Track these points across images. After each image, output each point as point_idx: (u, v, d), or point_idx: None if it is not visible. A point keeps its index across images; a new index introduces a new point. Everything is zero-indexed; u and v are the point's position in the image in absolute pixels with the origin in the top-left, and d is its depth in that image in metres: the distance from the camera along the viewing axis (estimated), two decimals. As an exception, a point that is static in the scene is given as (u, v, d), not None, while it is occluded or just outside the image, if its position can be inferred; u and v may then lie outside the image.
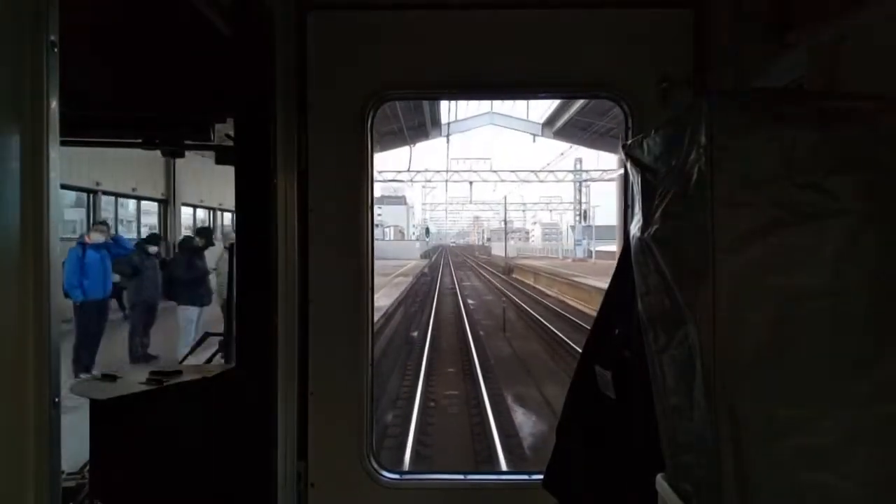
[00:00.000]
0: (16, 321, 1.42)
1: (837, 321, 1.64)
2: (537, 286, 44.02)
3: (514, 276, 55.19)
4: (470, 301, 34.62)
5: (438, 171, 65.59)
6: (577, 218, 75.79)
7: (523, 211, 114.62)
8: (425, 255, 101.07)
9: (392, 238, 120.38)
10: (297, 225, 3.43)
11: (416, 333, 22.81)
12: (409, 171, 60.15)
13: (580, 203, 74.52)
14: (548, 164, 63.82)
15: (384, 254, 66.92)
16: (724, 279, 1.65)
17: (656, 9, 3.35)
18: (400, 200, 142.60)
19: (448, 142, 50.19)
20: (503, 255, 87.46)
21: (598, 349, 2.68)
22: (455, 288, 42.67)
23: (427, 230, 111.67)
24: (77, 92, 3.38)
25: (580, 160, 66.99)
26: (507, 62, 3.42)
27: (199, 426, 3.50)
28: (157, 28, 3.67)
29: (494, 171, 65.27)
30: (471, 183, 67.75)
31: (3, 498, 1.41)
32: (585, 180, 69.26)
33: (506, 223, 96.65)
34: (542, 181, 64.69)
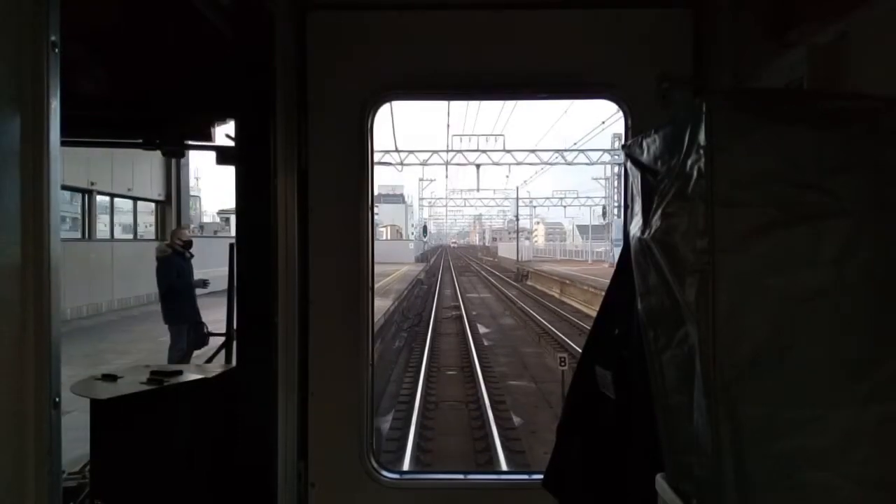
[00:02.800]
0: (16, 321, 1.42)
1: (837, 321, 1.64)
2: (571, 303, 33.12)
3: (538, 287, 44.83)
4: (483, 331, 23.27)
5: (436, 151, 50.55)
6: (616, 210, 59.47)
7: (533, 207, 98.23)
8: (422, 259, 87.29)
9: (389, 237, 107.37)
10: (297, 225, 3.43)
11: (386, 427, 11.83)
12: (397, 150, 46.05)
13: (623, 189, 59.14)
14: (575, 144, 49.41)
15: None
16: (724, 279, 1.65)
17: (656, 9, 3.35)
18: (398, 199, 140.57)
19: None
20: (511, 257, 74.61)
21: (599, 349, 2.68)
22: (460, 306, 30.65)
23: (424, 229, 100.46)
24: (77, 92, 3.39)
25: (619, 136, 50.25)
26: (507, 62, 3.42)
27: (199, 426, 3.50)
28: (158, 28, 3.67)
29: (508, 151, 50.56)
30: (478, 166, 52.67)
31: (4, 498, 1.41)
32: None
33: (518, 218, 79.38)
34: (569, 163, 49.29)
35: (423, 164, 50.80)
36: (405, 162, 48.87)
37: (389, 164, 47.41)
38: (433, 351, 19.29)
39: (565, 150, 49.07)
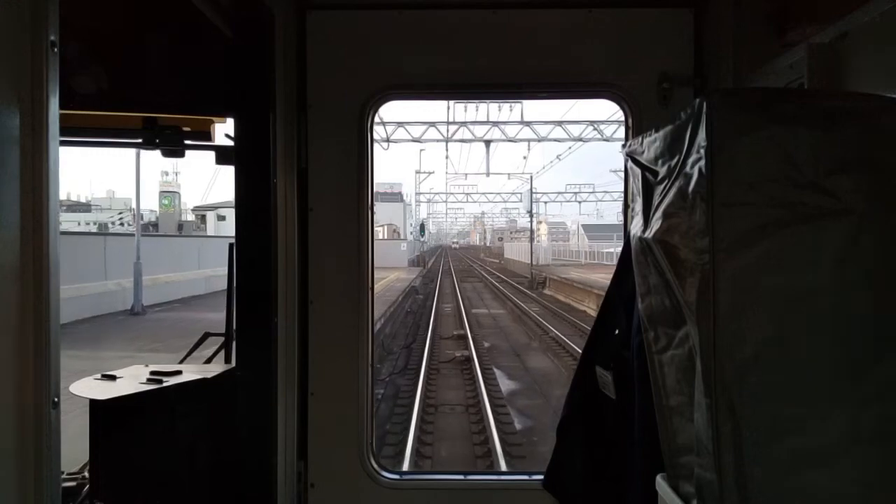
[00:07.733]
0: (16, 321, 1.42)
1: (837, 321, 1.64)
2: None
3: (561, 299, 35.66)
4: (507, 388, 15.55)
5: (434, 123, 39.74)
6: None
7: (544, 203, 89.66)
8: (417, 262, 73.47)
9: (386, 237, 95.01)
10: (297, 224, 3.43)
11: None
12: (382, 123, 35.82)
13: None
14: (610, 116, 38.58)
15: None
16: (725, 279, 1.65)
17: (656, 8, 3.35)
18: (396, 197, 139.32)
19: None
20: (519, 258, 65.36)
21: (599, 350, 2.68)
22: (466, 335, 21.44)
23: (422, 227, 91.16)
24: (77, 92, 3.38)
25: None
26: (508, 62, 3.41)
27: (199, 426, 3.49)
28: (157, 28, 3.67)
29: (527, 124, 39.96)
30: (487, 143, 42.52)
31: (4, 498, 1.41)
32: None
33: (532, 213, 63.12)
34: (607, 139, 38.72)
35: (418, 140, 40.50)
36: (392, 138, 38.91)
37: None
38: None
39: (602, 122, 38.53)
